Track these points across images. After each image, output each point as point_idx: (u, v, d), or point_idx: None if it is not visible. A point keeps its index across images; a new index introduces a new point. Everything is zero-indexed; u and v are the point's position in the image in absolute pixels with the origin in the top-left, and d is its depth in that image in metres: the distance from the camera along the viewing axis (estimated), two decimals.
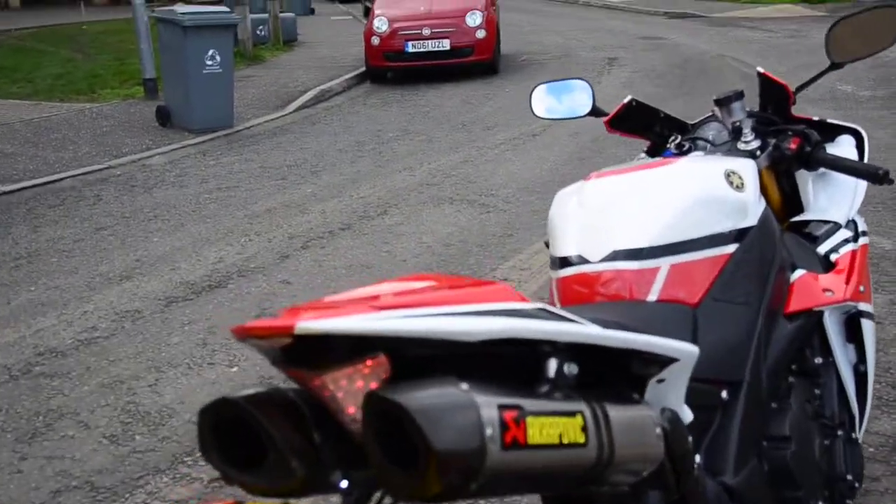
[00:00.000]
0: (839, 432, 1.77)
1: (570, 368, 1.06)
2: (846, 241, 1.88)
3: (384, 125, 9.04)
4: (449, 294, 1.07)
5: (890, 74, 9.81)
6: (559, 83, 2.31)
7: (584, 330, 1.10)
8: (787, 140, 1.87)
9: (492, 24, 11.87)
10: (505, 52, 12.46)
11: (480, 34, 11.63)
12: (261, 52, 14.48)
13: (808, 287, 1.71)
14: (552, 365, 1.05)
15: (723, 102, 1.98)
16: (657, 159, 1.81)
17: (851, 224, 1.95)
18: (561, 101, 2.31)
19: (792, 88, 1.94)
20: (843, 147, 2.02)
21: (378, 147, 8.01)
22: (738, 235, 1.58)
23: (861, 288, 1.78)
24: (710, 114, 2.12)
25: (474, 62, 11.67)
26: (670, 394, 1.28)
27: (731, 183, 1.62)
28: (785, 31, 14.87)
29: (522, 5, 21.09)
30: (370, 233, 5.48)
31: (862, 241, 1.89)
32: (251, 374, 3.62)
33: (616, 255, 1.53)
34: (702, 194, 1.59)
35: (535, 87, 2.33)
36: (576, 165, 6.77)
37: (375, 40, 11.76)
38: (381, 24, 11.78)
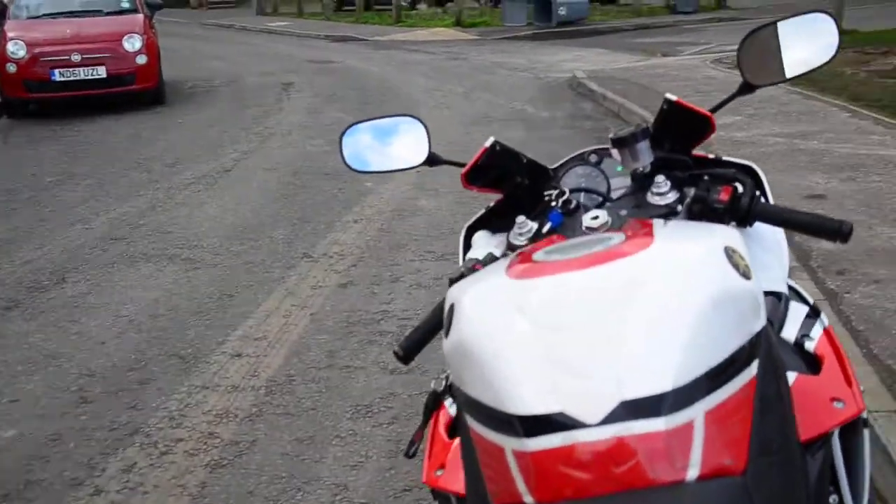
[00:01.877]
0: None
1: None
2: (808, 318, 1.44)
3: (38, 168, 7.60)
4: None
5: (554, 95, 10.24)
6: (379, 122, 1.67)
7: None
8: (713, 190, 1.39)
9: (153, 49, 10.71)
10: (167, 79, 11.33)
11: (141, 60, 10.43)
12: None
13: (814, 400, 1.23)
14: None
15: (625, 142, 1.44)
16: (614, 237, 1.17)
17: (793, 293, 1.52)
18: (383, 146, 1.67)
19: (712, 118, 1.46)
20: None
21: (36, 195, 6.64)
22: (756, 345, 1.06)
23: (862, 387, 1.34)
24: (574, 155, 1.62)
25: (137, 91, 10.44)
26: None
27: (736, 267, 1.09)
28: (446, 53, 15.23)
29: (175, 30, 19.66)
30: (48, 310, 4.33)
31: (823, 316, 1.47)
32: None
33: (626, 411, 0.94)
34: (713, 292, 1.03)
35: (347, 129, 1.66)
36: (283, 204, 6.07)
37: (12, 68, 10.08)
38: (16, 49, 10.13)
